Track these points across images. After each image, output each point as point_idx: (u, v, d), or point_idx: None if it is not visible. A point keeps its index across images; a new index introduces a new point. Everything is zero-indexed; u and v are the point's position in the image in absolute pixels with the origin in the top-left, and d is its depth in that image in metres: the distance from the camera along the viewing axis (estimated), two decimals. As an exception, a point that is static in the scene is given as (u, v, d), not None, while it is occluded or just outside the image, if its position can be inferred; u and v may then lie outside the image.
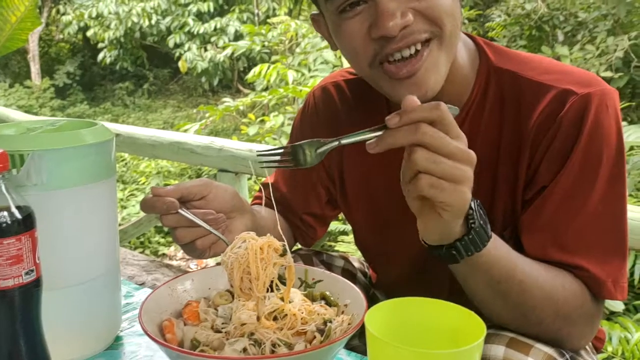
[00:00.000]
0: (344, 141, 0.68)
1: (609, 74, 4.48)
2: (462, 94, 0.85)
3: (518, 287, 0.74)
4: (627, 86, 4.63)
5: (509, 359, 0.72)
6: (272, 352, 0.68)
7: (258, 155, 0.75)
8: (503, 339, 0.75)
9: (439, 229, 0.69)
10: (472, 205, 0.69)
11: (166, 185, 0.80)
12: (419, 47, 0.76)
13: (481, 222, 0.70)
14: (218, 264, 0.77)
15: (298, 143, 0.71)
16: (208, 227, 0.79)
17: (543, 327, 0.76)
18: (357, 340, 0.90)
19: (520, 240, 0.81)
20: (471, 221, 0.69)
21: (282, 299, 0.75)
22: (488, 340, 0.75)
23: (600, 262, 0.77)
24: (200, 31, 8.75)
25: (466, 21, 6.53)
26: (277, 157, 0.74)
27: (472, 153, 0.66)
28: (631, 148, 3.27)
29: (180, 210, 0.77)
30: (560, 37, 5.30)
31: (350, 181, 0.99)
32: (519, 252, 0.79)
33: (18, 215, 0.64)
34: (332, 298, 0.78)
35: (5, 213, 0.63)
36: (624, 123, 3.54)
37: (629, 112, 4.49)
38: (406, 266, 0.96)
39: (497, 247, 0.73)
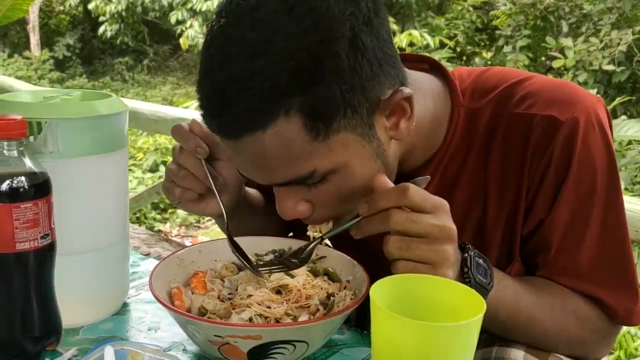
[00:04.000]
0: (326, 236, 0.72)
1: (611, 67, 4.49)
2: (430, 148, 0.80)
3: (525, 322, 0.73)
4: (628, 80, 4.65)
5: None
6: (277, 322, 0.70)
7: (259, 269, 0.76)
8: (522, 343, 0.76)
9: None
10: (468, 263, 0.67)
11: (164, 162, 0.80)
12: None
13: (478, 277, 0.67)
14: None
15: (285, 258, 0.75)
16: (216, 193, 0.78)
17: (558, 350, 0.76)
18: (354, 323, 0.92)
19: (525, 274, 0.80)
20: (467, 279, 0.67)
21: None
22: (508, 343, 0.76)
23: (613, 290, 0.76)
24: (203, 8, 8.67)
25: (471, 8, 6.50)
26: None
27: (450, 228, 0.63)
28: (629, 142, 3.29)
29: (203, 160, 0.76)
30: (565, 29, 5.29)
31: None
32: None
33: (35, 180, 0.66)
34: (335, 274, 0.81)
35: (23, 178, 0.65)
36: (623, 117, 3.56)
37: (629, 107, 4.51)
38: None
39: (501, 290, 0.70)
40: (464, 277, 0.67)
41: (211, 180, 0.77)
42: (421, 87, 0.78)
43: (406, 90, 0.68)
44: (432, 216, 0.63)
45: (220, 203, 0.79)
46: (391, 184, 0.66)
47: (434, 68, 0.84)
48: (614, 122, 2.29)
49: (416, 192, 0.63)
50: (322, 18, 0.61)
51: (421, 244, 0.63)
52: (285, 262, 0.75)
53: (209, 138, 0.77)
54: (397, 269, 0.64)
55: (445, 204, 0.65)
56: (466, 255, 0.67)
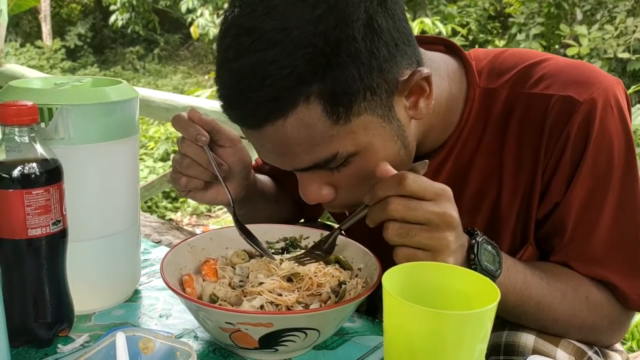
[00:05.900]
0: (344, 227, 0.72)
1: (626, 55, 4.42)
2: (446, 128, 0.79)
3: (535, 308, 0.73)
4: (643, 68, 4.57)
5: (538, 348, 0.73)
6: (288, 309, 0.70)
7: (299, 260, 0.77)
8: (533, 328, 0.75)
9: None
10: (475, 250, 0.66)
11: (175, 151, 0.80)
12: None
13: (485, 264, 0.66)
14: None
15: (308, 250, 0.77)
16: (221, 179, 0.78)
17: (569, 335, 0.76)
18: (366, 310, 0.91)
19: (538, 257, 0.79)
20: (473, 266, 0.66)
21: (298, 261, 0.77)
22: (519, 327, 0.75)
23: (626, 275, 0.75)
24: (213, -3, 8.65)
25: (483, -4, 6.41)
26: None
27: (451, 215, 0.62)
28: (644, 131, 3.24)
29: (205, 147, 0.76)
30: (579, 16, 5.21)
31: None
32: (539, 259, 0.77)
33: (47, 167, 0.66)
34: (346, 262, 0.80)
35: (35, 164, 0.65)
36: (638, 106, 3.50)
37: (644, 95, 4.44)
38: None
39: (511, 276, 0.70)
40: (470, 263, 0.66)
41: (215, 167, 0.77)
42: (437, 67, 0.77)
43: (424, 70, 0.68)
44: (432, 203, 0.62)
45: (226, 188, 0.79)
46: (393, 172, 0.65)
47: (449, 49, 0.83)
48: (629, 110, 2.24)
49: (414, 180, 0.62)
50: (336, 2, 0.61)
51: (420, 231, 0.62)
52: (310, 254, 0.76)
53: (209, 125, 0.77)
54: (397, 255, 0.64)
55: (447, 190, 0.64)
56: (474, 241, 0.67)
